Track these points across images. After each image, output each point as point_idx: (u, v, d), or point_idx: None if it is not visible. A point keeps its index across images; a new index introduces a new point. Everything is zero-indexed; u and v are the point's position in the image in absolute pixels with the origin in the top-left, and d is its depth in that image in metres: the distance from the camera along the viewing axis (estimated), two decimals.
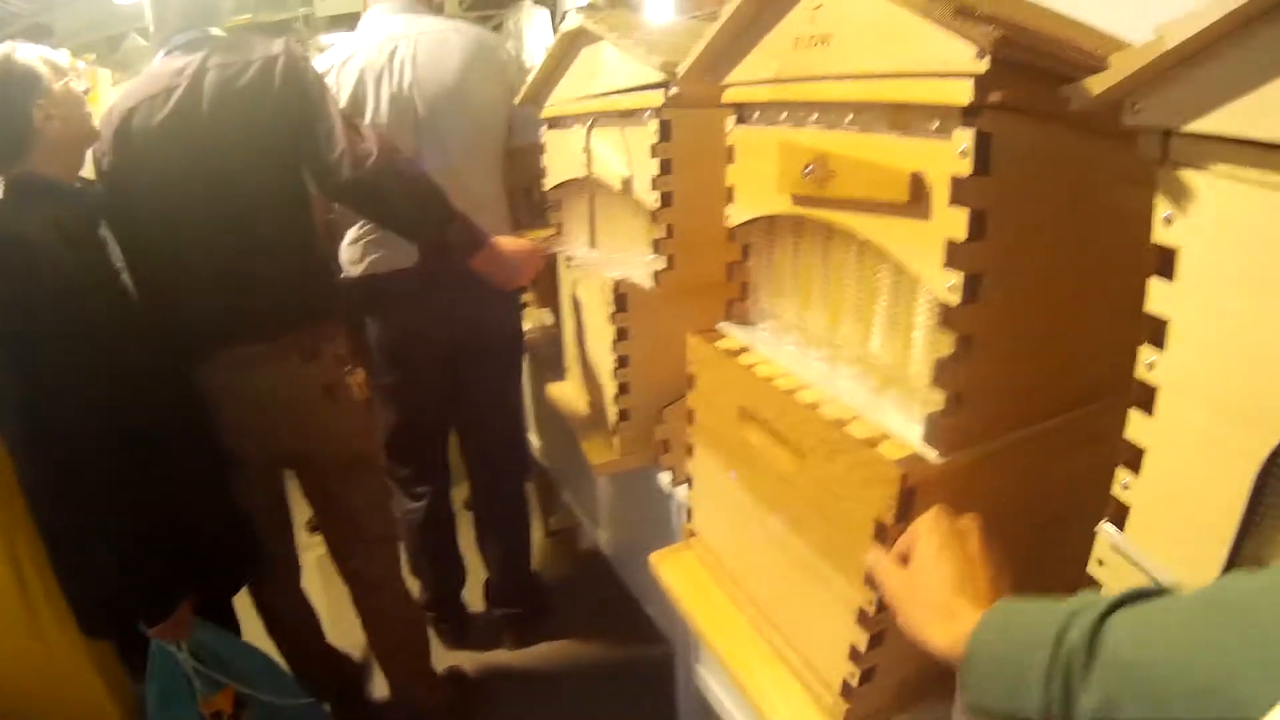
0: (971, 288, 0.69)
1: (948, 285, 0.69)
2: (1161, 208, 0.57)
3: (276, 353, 1.57)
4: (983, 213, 0.68)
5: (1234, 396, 0.54)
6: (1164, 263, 0.57)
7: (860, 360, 0.87)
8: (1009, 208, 0.69)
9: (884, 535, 0.75)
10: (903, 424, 0.79)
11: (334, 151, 1.46)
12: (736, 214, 1.01)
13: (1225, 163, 0.53)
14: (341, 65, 1.82)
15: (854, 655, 0.84)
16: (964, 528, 0.67)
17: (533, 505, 2.55)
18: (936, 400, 0.74)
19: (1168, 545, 0.60)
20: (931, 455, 0.75)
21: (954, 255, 0.69)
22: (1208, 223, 0.54)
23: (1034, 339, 0.78)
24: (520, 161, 1.98)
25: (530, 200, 2.06)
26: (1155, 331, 0.59)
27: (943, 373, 0.73)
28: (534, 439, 2.42)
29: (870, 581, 0.77)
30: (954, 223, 0.68)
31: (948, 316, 0.71)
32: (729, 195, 1.02)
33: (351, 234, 1.91)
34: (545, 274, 1.87)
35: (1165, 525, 0.60)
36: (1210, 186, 0.54)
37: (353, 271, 1.91)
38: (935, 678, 0.86)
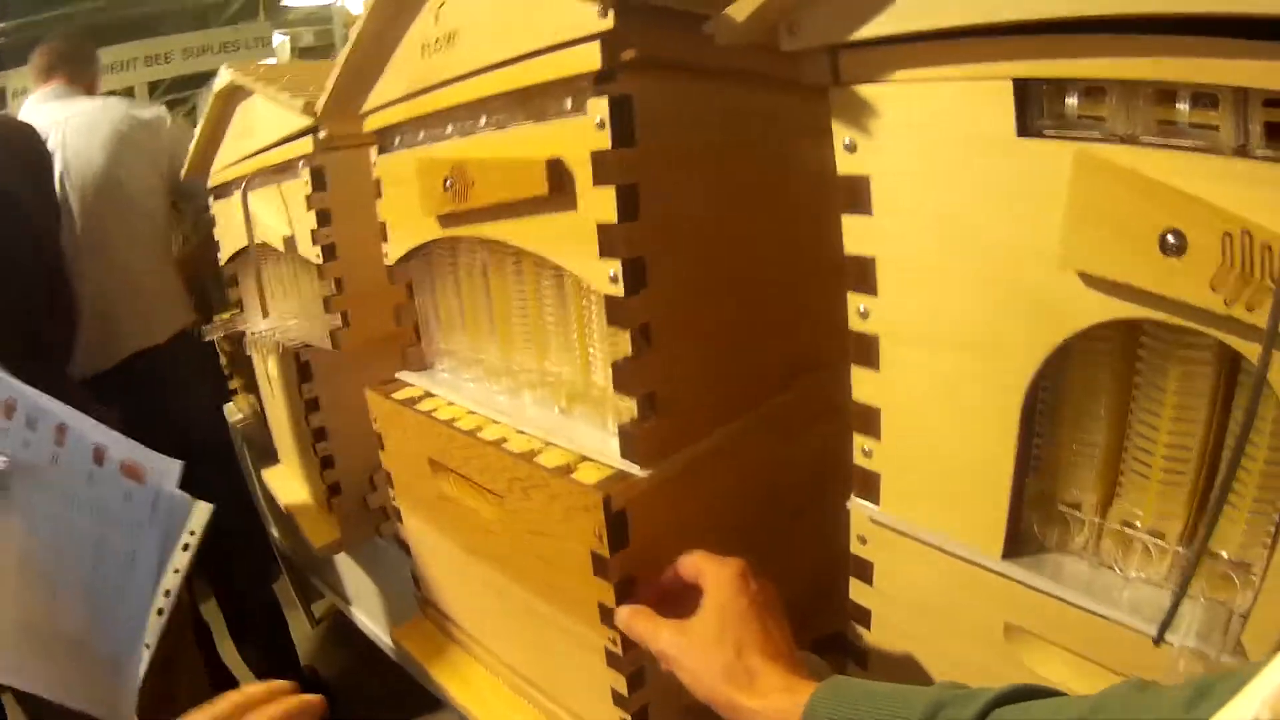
0: (635, 274, 0.54)
1: (609, 275, 0.54)
2: (841, 134, 0.45)
3: None
4: (632, 188, 0.53)
5: (972, 327, 0.42)
6: (855, 196, 0.45)
7: (542, 383, 0.69)
8: (665, 180, 0.55)
9: (604, 568, 0.58)
10: (600, 441, 0.62)
11: None
12: (392, 251, 0.81)
13: (904, 67, 0.41)
14: None
15: (618, 699, 0.65)
16: (765, 586, 0.53)
17: (291, 598, 2.22)
18: (627, 408, 0.58)
19: (935, 507, 0.48)
20: (634, 470, 0.58)
21: (608, 241, 0.53)
22: (896, 140, 0.43)
23: (727, 320, 0.64)
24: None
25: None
26: (861, 274, 0.46)
27: (624, 375, 0.57)
28: (274, 530, 2.07)
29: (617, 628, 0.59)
30: (602, 205, 0.53)
31: (616, 310, 0.55)
32: (383, 233, 0.83)
33: None
34: (244, 357, 1.58)
35: (925, 486, 0.48)
36: (892, 98, 0.42)
37: None
38: None
